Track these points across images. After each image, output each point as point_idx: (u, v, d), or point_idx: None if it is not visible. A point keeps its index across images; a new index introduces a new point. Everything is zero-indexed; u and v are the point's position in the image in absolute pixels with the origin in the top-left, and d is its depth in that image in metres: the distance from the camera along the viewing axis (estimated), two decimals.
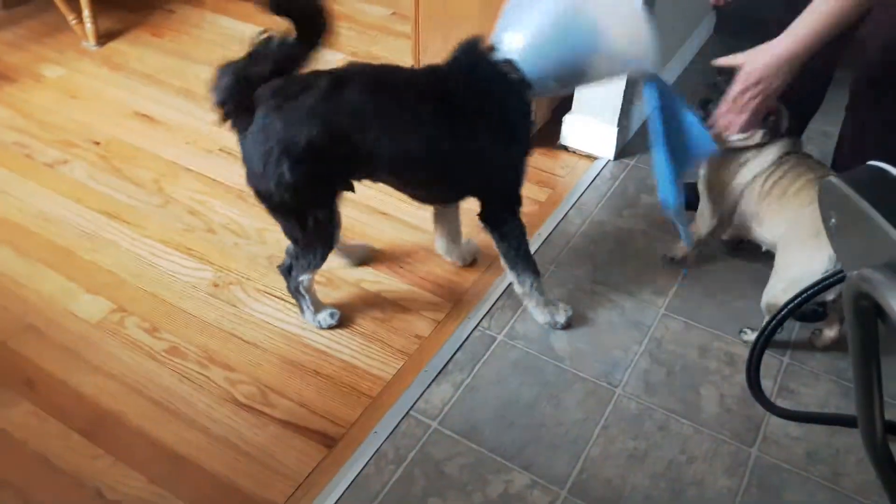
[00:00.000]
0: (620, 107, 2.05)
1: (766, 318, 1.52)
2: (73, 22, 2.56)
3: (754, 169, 1.55)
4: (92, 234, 1.83)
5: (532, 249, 1.81)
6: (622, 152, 2.15)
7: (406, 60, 2.46)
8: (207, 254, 1.78)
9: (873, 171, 0.65)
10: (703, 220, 1.67)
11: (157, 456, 1.36)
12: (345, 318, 1.63)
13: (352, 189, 1.46)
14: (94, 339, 1.57)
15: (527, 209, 1.94)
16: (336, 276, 1.73)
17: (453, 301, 1.69)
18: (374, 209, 1.93)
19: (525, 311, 1.65)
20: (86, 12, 2.54)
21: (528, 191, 2.01)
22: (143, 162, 2.06)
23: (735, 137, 1.53)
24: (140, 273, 1.72)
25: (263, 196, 1.36)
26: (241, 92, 1.27)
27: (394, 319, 1.64)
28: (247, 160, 1.33)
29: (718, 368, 1.56)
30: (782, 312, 1.09)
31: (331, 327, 1.60)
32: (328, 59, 2.56)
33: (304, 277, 1.52)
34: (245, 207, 1.92)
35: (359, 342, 1.59)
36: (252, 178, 1.34)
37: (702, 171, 1.66)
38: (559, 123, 2.16)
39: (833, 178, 0.65)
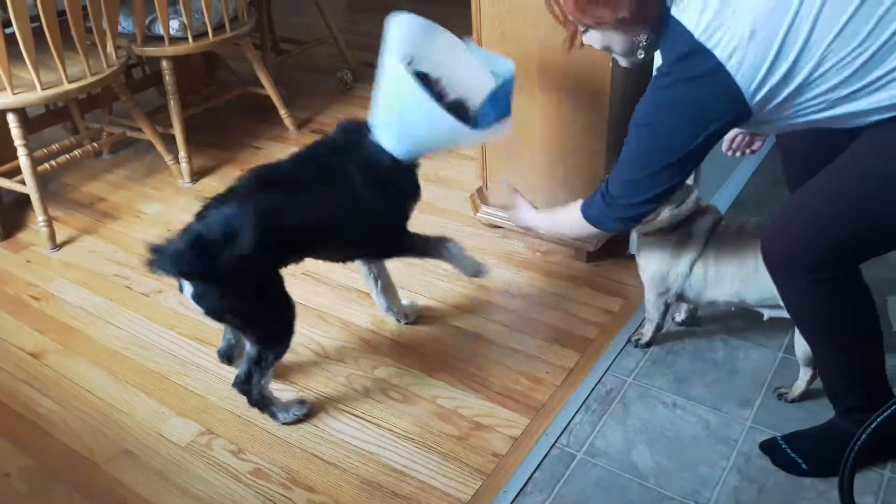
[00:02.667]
0: None
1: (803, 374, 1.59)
2: (171, 162, 2.81)
3: (688, 257, 1.62)
4: (183, 359, 1.93)
5: (609, 360, 1.81)
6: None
7: (473, 181, 2.58)
8: (290, 374, 1.85)
9: None
10: (654, 308, 1.75)
11: None
12: (421, 435, 1.64)
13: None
14: (183, 461, 1.63)
15: (600, 319, 1.96)
16: (411, 392, 1.76)
17: (530, 416, 1.68)
18: (447, 324, 1.98)
19: (604, 426, 1.63)
20: (182, 153, 2.80)
21: (601, 301, 2.03)
22: None
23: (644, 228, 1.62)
24: (226, 395, 1.79)
25: (221, 311, 1.54)
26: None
27: (470, 437, 1.64)
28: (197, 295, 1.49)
29: (813, 485, 1.47)
30: (874, 422, 1.05)
31: (305, 415, 1.69)
32: None
33: (265, 381, 1.62)
34: (325, 327, 2.00)
35: (435, 461, 1.59)
36: (199, 294, 1.48)
37: (640, 262, 1.72)
38: (627, 233, 2.19)
39: None
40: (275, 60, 3.53)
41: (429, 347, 1.91)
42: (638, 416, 1.66)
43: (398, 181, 1.67)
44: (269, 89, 3.06)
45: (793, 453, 1.50)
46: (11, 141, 2.34)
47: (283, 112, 3.13)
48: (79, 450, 1.67)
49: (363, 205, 1.60)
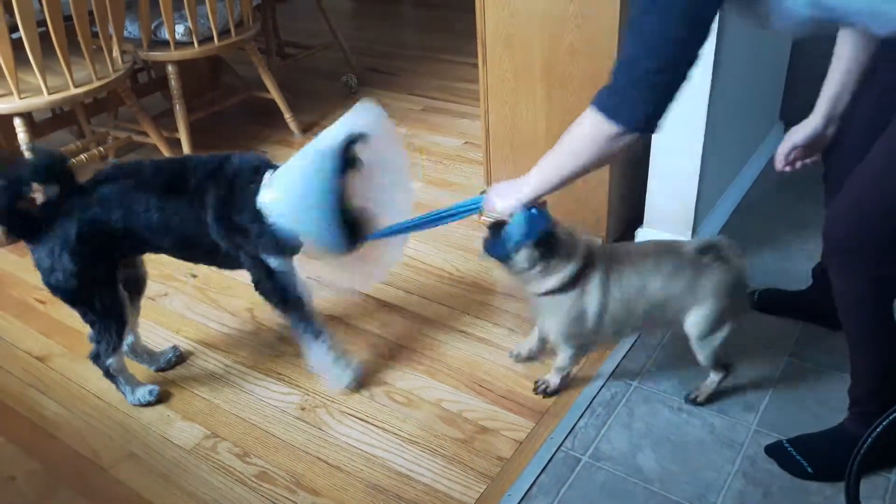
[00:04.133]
0: (693, 220, 2.07)
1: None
2: None
3: (595, 306, 1.53)
4: (188, 361, 1.93)
5: (613, 364, 1.81)
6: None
7: (479, 185, 2.58)
8: (295, 378, 1.85)
9: None
10: (570, 361, 1.68)
11: None
12: (426, 438, 1.64)
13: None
14: (188, 465, 1.63)
15: None
16: (415, 395, 1.76)
17: (534, 420, 1.68)
18: (452, 328, 1.98)
19: (609, 429, 1.63)
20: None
21: None
22: (238, 292, 2.20)
23: (537, 289, 1.53)
24: (232, 399, 1.80)
25: (55, 290, 1.58)
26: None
27: (475, 440, 1.64)
28: (38, 264, 1.56)
29: (819, 489, 1.47)
30: (879, 427, 1.05)
31: (150, 404, 1.75)
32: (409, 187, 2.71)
33: (111, 361, 1.69)
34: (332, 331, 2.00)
35: (440, 464, 1.59)
36: (44, 277, 1.57)
37: (547, 325, 1.64)
38: (632, 237, 2.19)
39: None
40: (280, 65, 3.55)
41: (433, 351, 1.91)
42: (643, 420, 1.65)
43: (251, 233, 1.57)
44: (274, 93, 3.07)
45: (798, 456, 1.50)
46: (18, 145, 2.36)
47: (287, 116, 3.14)
48: (84, 453, 1.68)
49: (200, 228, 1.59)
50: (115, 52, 2.49)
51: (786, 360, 1.78)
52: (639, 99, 1.15)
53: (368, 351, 1.92)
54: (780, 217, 2.33)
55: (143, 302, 2.17)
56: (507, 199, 1.44)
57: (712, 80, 1.85)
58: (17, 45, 2.18)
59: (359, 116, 1.53)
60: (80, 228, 1.52)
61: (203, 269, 2.30)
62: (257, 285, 1.69)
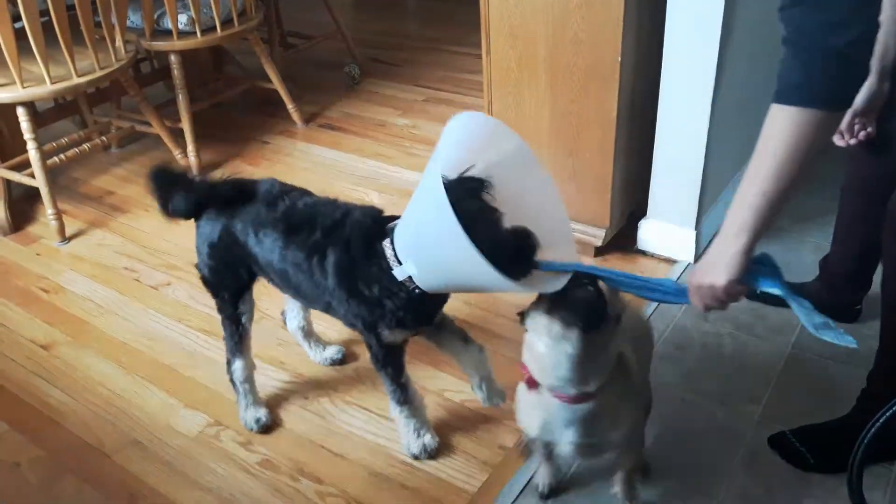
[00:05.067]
0: (697, 211, 2.06)
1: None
2: (179, 156, 2.82)
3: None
4: (192, 351, 1.94)
5: None
6: (702, 255, 2.14)
7: None
8: (298, 367, 1.85)
9: None
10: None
11: None
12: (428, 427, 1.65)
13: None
14: (192, 452, 1.64)
15: None
16: (418, 385, 1.75)
17: None
18: (456, 319, 1.97)
19: None
20: (190, 147, 2.81)
21: None
22: None
23: None
24: None
25: (197, 268, 1.60)
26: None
27: (478, 430, 1.65)
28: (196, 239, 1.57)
29: (821, 481, 1.47)
30: (882, 418, 1.04)
31: (252, 431, 1.67)
32: (408, 178, 2.72)
33: (235, 366, 1.64)
34: (333, 321, 1.99)
35: (443, 453, 1.59)
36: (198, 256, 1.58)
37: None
38: (635, 228, 2.19)
39: None
40: (282, 55, 3.54)
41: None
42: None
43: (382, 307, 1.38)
44: (277, 84, 3.07)
45: (801, 447, 1.50)
46: (21, 135, 2.36)
47: (290, 106, 3.13)
48: (88, 441, 1.68)
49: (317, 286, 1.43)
50: (118, 42, 2.48)
51: (789, 351, 1.78)
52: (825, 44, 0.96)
53: None
54: (785, 209, 2.32)
55: (146, 291, 2.19)
56: (717, 275, 1.09)
57: (717, 69, 1.84)
58: (20, 35, 2.18)
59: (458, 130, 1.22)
60: (222, 233, 1.49)
61: None
62: (366, 345, 1.51)
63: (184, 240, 2.38)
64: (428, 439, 1.57)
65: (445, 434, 1.64)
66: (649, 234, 2.17)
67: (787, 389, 1.69)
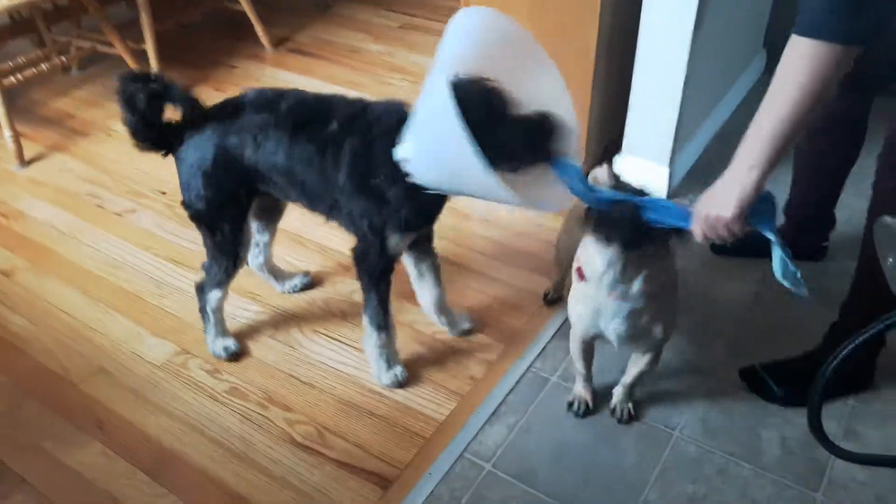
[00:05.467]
0: (672, 147, 2.05)
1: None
2: None
3: None
4: (158, 279, 1.91)
5: None
6: (674, 193, 2.14)
7: None
8: (267, 296, 1.84)
9: None
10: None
11: (218, 495, 1.39)
12: (399, 358, 1.65)
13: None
14: (159, 380, 1.63)
15: None
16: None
17: (506, 342, 1.70)
18: None
19: None
20: (155, 69, 2.70)
21: None
22: None
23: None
24: None
25: (185, 206, 1.51)
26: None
27: (447, 360, 1.66)
28: (179, 178, 1.49)
29: (779, 410, 1.52)
30: (845, 351, 1.06)
31: (222, 359, 1.65)
32: None
33: (212, 295, 1.60)
34: (303, 251, 1.98)
35: (413, 384, 1.60)
36: (182, 192, 1.50)
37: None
38: (610, 165, 2.17)
39: (888, 220, 0.65)
40: None
41: (407, 275, 1.90)
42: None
43: (386, 199, 1.36)
44: (245, 5, 2.94)
45: (769, 380, 1.54)
46: None
47: (259, 29, 3.02)
48: (53, 368, 1.66)
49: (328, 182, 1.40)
50: None
51: (754, 293, 1.81)
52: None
53: (341, 272, 1.91)
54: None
55: (110, 218, 2.13)
56: (726, 207, 1.10)
57: (698, 7, 1.79)
58: None
59: (468, 24, 1.22)
60: (216, 154, 1.41)
61: (173, 185, 2.25)
62: (360, 257, 1.46)
63: (149, 166, 2.32)
64: (398, 370, 1.58)
65: (416, 365, 1.65)
66: (624, 169, 2.16)
67: (757, 328, 1.72)
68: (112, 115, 2.63)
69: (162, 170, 2.31)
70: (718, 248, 1.89)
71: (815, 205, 1.80)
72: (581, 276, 1.31)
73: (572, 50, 1.95)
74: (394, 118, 1.32)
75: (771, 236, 1.12)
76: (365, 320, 1.53)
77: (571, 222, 1.55)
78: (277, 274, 1.82)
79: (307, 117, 1.39)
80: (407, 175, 1.26)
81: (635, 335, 1.33)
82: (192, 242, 2.03)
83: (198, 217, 1.51)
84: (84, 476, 1.44)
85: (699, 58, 1.94)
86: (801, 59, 1.00)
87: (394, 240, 1.42)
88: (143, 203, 2.19)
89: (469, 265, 1.92)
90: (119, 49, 2.63)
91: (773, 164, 1.06)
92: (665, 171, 2.09)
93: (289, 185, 1.45)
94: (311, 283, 1.86)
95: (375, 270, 1.46)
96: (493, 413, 1.53)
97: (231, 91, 2.77)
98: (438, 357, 1.67)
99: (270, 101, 1.42)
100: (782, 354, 1.57)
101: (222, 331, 1.67)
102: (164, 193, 2.22)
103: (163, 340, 1.73)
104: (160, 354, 1.69)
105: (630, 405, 1.52)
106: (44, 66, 2.49)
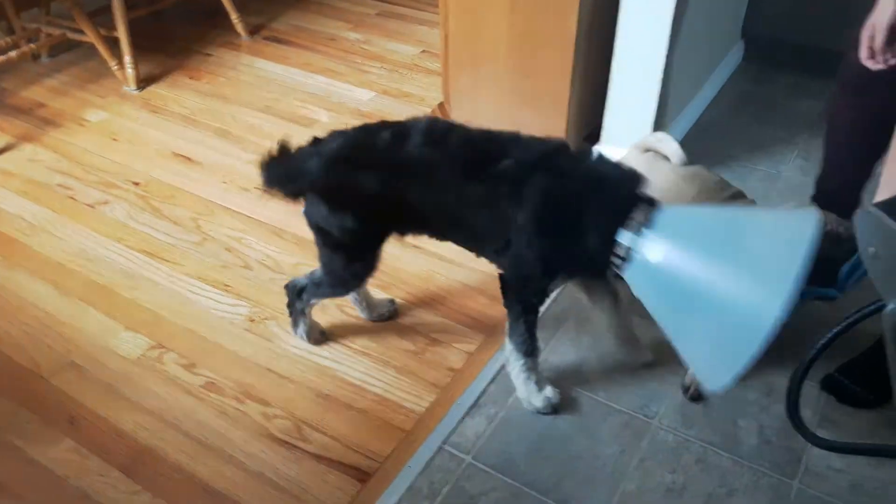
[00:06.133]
0: None
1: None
2: (115, 68, 2.66)
3: None
4: (131, 272, 1.87)
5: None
6: None
7: (435, 96, 2.51)
8: (244, 290, 1.81)
9: None
10: None
11: (194, 491, 1.37)
12: (378, 350, 1.64)
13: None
14: (132, 375, 1.60)
15: None
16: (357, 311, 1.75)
17: (486, 333, 1.69)
18: (406, 242, 1.95)
19: (556, 342, 1.65)
20: (127, 58, 2.64)
21: None
22: (182, 201, 2.12)
23: None
24: (178, 310, 1.75)
25: (322, 232, 1.41)
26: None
27: (426, 352, 1.65)
28: (309, 211, 1.40)
29: (757, 399, 1.53)
30: (822, 342, 1.06)
31: (318, 344, 1.65)
32: (359, 96, 2.63)
33: (310, 302, 1.58)
34: (280, 243, 1.95)
35: (392, 375, 1.59)
36: (313, 216, 1.40)
37: None
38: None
39: (872, 209, 0.65)
40: None
41: (388, 265, 1.88)
42: (590, 332, 1.68)
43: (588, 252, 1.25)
44: None
45: (847, 382, 1.50)
46: None
47: (234, 17, 2.97)
48: (23, 363, 1.63)
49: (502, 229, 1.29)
50: None
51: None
52: None
53: None
54: (736, 137, 2.33)
55: (82, 210, 2.09)
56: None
57: None
58: None
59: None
60: (372, 192, 1.31)
61: (147, 176, 2.21)
62: (517, 288, 1.40)
63: (122, 157, 2.27)
64: (550, 391, 1.50)
65: (394, 356, 1.63)
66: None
67: None
68: (84, 105, 2.58)
69: (135, 160, 2.27)
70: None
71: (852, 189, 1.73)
72: None
73: (552, 35, 1.94)
74: (623, 185, 1.24)
75: None
76: (510, 346, 1.47)
77: None
78: (369, 302, 1.72)
79: (478, 155, 1.28)
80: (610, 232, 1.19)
81: None
82: (166, 234, 2.00)
83: (333, 245, 1.42)
84: (56, 473, 1.41)
85: (678, 47, 1.94)
86: None
87: (561, 280, 1.38)
88: (116, 194, 2.15)
89: (446, 255, 1.91)
90: (90, 36, 2.58)
91: None
92: None
93: (450, 227, 1.38)
94: (396, 311, 1.75)
95: (530, 303, 1.42)
96: (474, 404, 1.52)
97: (206, 79, 2.73)
98: (418, 349, 1.65)
99: (439, 133, 1.32)
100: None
101: (311, 324, 1.64)
102: (136, 184, 2.18)
103: (136, 334, 1.70)
104: (134, 348, 1.66)
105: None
106: (12, 54, 2.43)
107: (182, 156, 2.32)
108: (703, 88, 2.44)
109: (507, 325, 1.45)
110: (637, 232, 1.18)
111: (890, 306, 0.63)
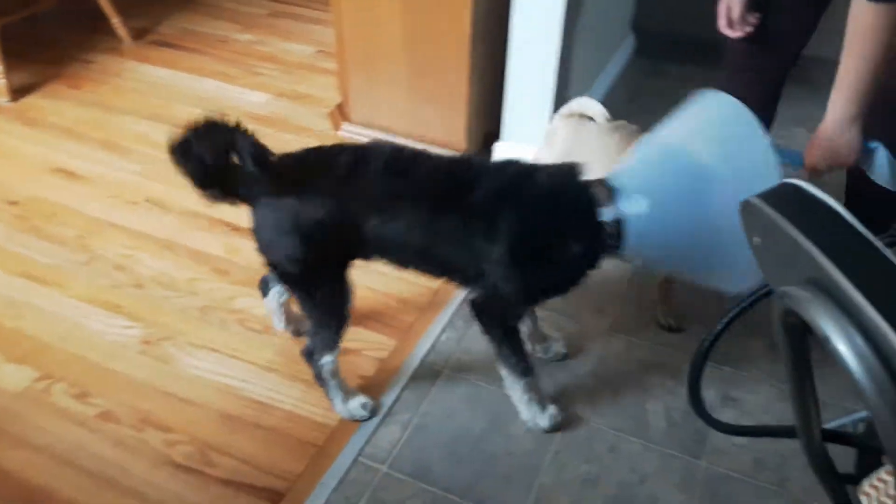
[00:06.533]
0: None
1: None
2: None
3: None
4: (11, 299, 1.73)
5: None
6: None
7: (333, 97, 2.45)
8: (136, 310, 1.71)
9: (789, 189, 0.66)
10: None
11: None
12: (285, 365, 1.58)
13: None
14: (17, 410, 1.48)
15: None
16: (271, 322, 1.68)
17: (397, 338, 1.66)
18: None
19: (468, 341, 1.64)
20: None
21: None
22: (65, 219, 1.98)
23: None
24: (65, 336, 1.64)
25: (273, 266, 1.33)
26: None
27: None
28: (257, 230, 1.30)
29: (662, 382, 1.57)
30: (719, 328, 1.09)
31: (364, 419, 1.48)
32: (253, 100, 2.54)
33: (326, 360, 1.43)
34: (174, 258, 1.86)
35: (300, 389, 1.54)
36: (262, 248, 1.31)
37: None
38: (489, 152, 2.17)
39: (753, 199, 0.66)
40: None
41: None
42: None
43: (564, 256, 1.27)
44: None
45: None
46: None
47: (114, 20, 2.80)
48: None
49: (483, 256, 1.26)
50: None
51: (633, 270, 1.86)
52: None
53: (217, 278, 1.81)
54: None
55: None
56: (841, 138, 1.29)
57: None
58: None
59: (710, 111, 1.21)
60: (324, 218, 1.24)
61: (25, 194, 2.06)
62: (483, 306, 1.37)
63: None
64: (553, 409, 1.46)
65: (302, 370, 1.57)
66: (504, 156, 2.17)
67: (631, 302, 1.77)
68: None
69: (11, 178, 2.11)
70: None
71: None
72: None
73: (447, 31, 1.93)
74: (563, 180, 1.25)
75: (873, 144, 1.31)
76: (504, 371, 1.42)
77: None
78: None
79: (450, 185, 1.25)
80: (603, 240, 1.21)
81: None
82: (49, 255, 1.86)
83: (290, 280, 1.35)
84: None
85: (570, 41, 1.96)
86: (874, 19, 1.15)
87: (538, 303, 1.36)
88: None
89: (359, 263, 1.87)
90: None
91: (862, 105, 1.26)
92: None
93: (416, 258, 1.32)
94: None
95: (508, 325, 1.38)
96: (388, 412, 1.49)
97: (88, 88, 2.57)
98: None
99: (403, 163, 1.27)
100: (654, 328, 1.63)
101: (347, 390, 1.49)
102: (14, 203, 2.02)
103: (20, 366, 1.57)
104: (18, 381, 1.54)
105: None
106: None
107: (64, 170, 2.17)
108: (597, 80, 2.49)
109: (493, 351, 1.42)
110: (610, 204, 1.21)
111: (776, 294, 0.65)
